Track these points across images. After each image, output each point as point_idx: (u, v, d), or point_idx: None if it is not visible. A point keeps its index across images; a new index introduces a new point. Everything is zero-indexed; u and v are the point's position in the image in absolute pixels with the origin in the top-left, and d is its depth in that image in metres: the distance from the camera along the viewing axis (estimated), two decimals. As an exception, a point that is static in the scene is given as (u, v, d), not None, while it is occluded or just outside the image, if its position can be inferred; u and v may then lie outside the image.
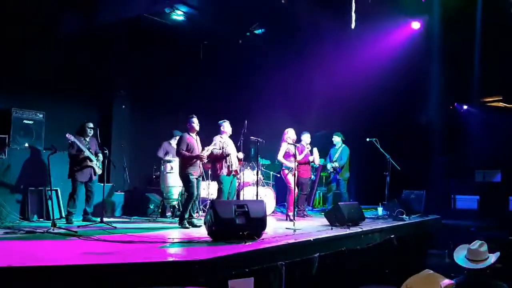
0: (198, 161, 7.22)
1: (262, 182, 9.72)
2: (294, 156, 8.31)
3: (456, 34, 10.46)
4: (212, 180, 8.79)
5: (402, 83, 11.47)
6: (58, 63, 8.65)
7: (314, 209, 11.30)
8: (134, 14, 8.48)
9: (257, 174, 8.07)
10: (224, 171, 7.58)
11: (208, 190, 8.86)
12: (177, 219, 7.45)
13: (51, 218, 6.67)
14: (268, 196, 9.31)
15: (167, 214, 8.82)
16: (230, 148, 7.77)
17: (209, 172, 8.71)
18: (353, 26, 8.84)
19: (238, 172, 7.86)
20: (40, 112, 8.13)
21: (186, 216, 7.07)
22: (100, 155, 7.76)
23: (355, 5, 8.68)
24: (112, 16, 8.48)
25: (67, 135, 7.27)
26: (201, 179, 7.47)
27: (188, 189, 7.17)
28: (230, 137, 7.96)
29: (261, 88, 11.76)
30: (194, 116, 7.41)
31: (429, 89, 11.79)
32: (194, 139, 7.32)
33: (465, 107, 12.66)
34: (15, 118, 7.75)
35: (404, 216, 8.54)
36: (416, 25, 10.52)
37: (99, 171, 7.75)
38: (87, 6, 8.66)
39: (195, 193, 7.15)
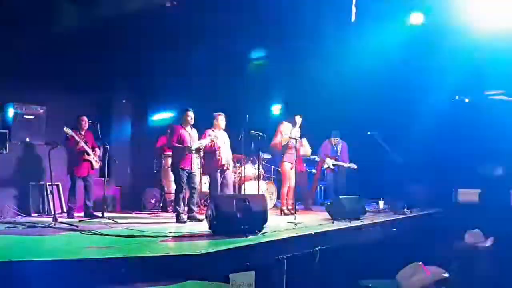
0: (191, 154, 7.15)
1: (263, 176, 9.72)
2: (295, 149, 8.24)
3: (457, 26, 10.40)
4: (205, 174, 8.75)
5: (403, 76, 11.43)
6: (58, 57, 8.63)
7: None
8: (134, 8, 8.44)
9: (258, 168, 8.06)
10: (213, 164, 7.52)
11: (208, 184, 8.84)
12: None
13: (53, 212, 6.67)
14: (269, 190, 9.31)
15: (168, 208, 8.83)
16: (222, 141, 7.69)
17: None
18: (353, 19, 8.78)
19: (229, 167, 7.78)
20: (40, 106, 8.12)
21: (180, 210, 7.01)
22: (97, 149, 7.76)
23: (356, -2, 8.62)
24: (112, 10, 8.44)
25: (64, 129, 7.26)
26: (199, 172, 7.43)
27: (176, 181, 7.13)
28: (228, 131, 7.92)
29: (262, 83, 11.72)
30: (189, 109, 7.35)
31: (430, 81, 11.75)
32: (186, 132, 7.26)
33: (466, 100, 12.61)
34: (16, 113, 7.75)
35: (405, 209, 8.54)
36: (417, 17, 10.45)
37: (96, 165, 7.75)
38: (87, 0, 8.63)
39: (184, 186, 7.07)
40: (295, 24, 10.27)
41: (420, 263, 3.13)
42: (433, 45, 10.89)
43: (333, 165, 9.98)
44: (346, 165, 9.96)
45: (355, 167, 9.94)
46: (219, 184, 7.57)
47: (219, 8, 9.71)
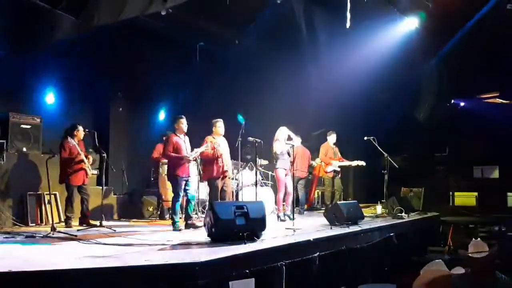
0: (187, 163, 7.16)
1: (261, 183, 9.72)
2: (289, 155, 8.23)
3: (452, 31, 10.49)
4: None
5: (399, 81, 11.50)
6: (54, 67, 8.64)
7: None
8: (130, 16, 8.47)
9: (256, 175, 8.05)
10: (215, 172, 7.51)
11: (207, 191, 8.83)
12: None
13: (51, 222, 6.65)
14: (267, 196, 9.29)
15: (165, 216, 8.82)
16: (223, 148, 7.68)
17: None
18: (348, 25, 8.84)
19: (229, 174, 7.78)
20: (37, 116, 8.11)
21: (176, 218, 7.01)
22: (91, 157, 7.76)
23: (350, 4, 8.68)
24: (107, 19, 8.47)
25: (68, 139, 7.28)
26: (198, 180, 7.42)
27: (174, 189, 7.12)
28: (227, 137, 7.92)
29: (258, 88, 11.75)
30: (182, 116, 7.35)
31: (426, 86, 11.83)
32: (181, 140, 7.25)
33: (462, 103, 12.69)
34: (13, 123, 7.74)
35: (403, 214, 8.55)
36: (412, 22, 10.54)
37: (90, 174, 7.76)
38: (82, 8, 8.64)
39: (181, 194, 7.08)
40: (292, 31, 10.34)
41: (440, 260, 3.19)
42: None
43: (339, 166, 9.90)
44: (354, 163, 9.89)
45: (364, 163, 9.86)
46: (219, 191, 7.55)
47: (214, 14, 9.77)
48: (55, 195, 8.00)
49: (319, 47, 10.95)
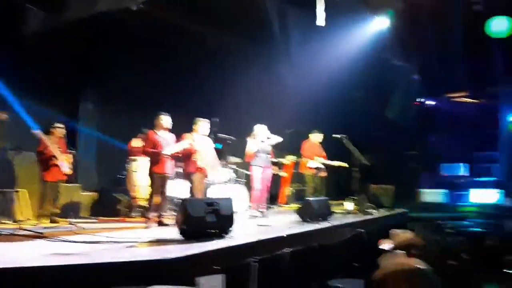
0: (166, 159, 7.12)
1: (234, 180, 9.70)
2: (265, 152, 8.25)
3: (422, 31, 10.67)
4: (183, 179, 8.71)
5: (371, 79, 11.65)
6: (21, 61, 8.44)
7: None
8: (100, 10, 8.34)
9: (227, 172, 8.04)
10: (192, 168, 7.52)
11: (176, 188, 8.73)
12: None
13: (17, 220, 6.51)
14: (240, 194, 9.28)
15: (134, 214, 8.70)
16: (201, 146, 7.67)
17: (180, 171, 8.65)
18: (322, 24, 8.90)
19: (207, 172, 7.76)
20: (2, 112, 7.91)
21: (149, 215, 6.99)
22: (70, 156, 7.64)
23: (324, 3, 8.75)
24: (78, 13, 8.33)
25: (35, 131, 7.14)
26: (170, 177, 7.39)
27: (151, 186, 7.11)
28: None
29: (231, 87, 11.72)
30: (162, 113, 7.31)
31: (396, 84, 12.01)
32: (160, 137, 7.21)
33: (432, 102, 12.93)
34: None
35: (373, 210, 8.68)
36: (383, 21, 10.68)
37: (68, 171, 7.63)
38: (53, 2, 8.48)
39: (157, 191, 7.05)
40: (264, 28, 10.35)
41: (404, 252, 3.23)
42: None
43: (322, 164, 9.87)
44: (337, 164, 9.80)
45: (346, 165, 9.70)
46: (197, 189, 7.53)
47: (187, 12, 9.71)
48: (23, 191, 7.83)
49: (291, 45, 11.00)
